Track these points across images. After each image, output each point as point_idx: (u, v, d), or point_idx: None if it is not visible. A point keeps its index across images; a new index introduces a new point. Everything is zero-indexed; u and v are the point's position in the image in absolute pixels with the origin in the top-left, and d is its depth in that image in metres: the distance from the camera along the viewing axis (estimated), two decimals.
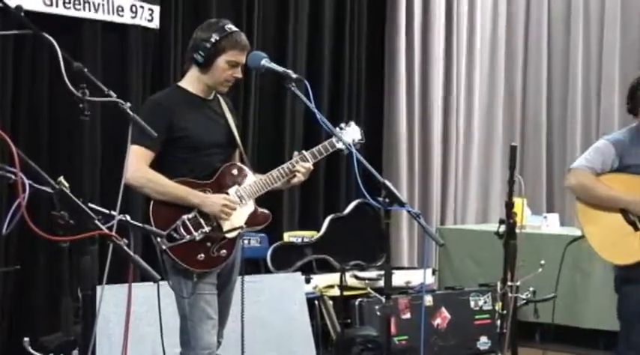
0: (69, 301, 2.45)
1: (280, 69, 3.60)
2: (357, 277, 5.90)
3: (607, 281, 5.90)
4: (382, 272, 4.44)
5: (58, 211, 2.38)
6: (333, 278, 5.72)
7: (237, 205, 3.66)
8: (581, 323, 6.13)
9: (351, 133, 3.90)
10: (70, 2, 5.11)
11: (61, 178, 2.41)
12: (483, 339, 6.01)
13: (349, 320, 5.54)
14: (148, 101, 3.92)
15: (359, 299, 5.58)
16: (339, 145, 3.71)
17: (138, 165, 3.52)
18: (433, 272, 6.56)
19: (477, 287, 6.15)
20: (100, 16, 5.27)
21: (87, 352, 2.42)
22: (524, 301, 5.08)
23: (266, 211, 3.80)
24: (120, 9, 5.37)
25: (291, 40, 6.40)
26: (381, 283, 5.00)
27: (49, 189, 2.37)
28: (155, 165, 3.59)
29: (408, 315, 5.65)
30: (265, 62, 3.63)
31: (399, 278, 5.99)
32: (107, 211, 2.54)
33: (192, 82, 3.73)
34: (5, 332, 5.03)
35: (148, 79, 5.59)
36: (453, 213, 7.47)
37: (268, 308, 5.16)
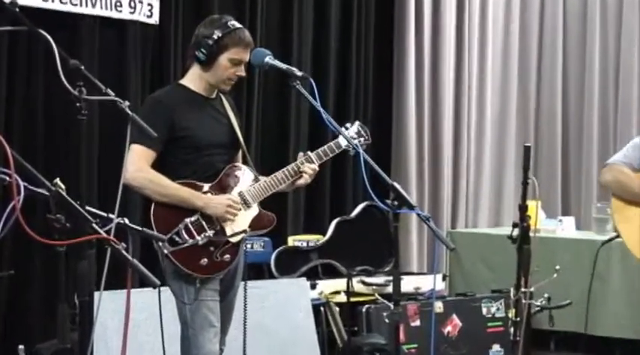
0: (65, 307, 2.46)
1: (284, 66, 3.60)
2: (364, 283, 5.90)
3: (625, 287, 5.92)
4: (391, 278, 4.44)
5: (54, 214, 2.38)
6: (340, 283, 5.72)
7: (241, 207, 3.67)
8: (597, 331, 6.12)
9: (357, 133, 3.90)
10: None
11: (57, 180, 2.42)
12: (496, 348, 6.00)
13: (356, 328, 5.54)
14: (148, 99, 3.93)
15: (366, 306, 5.57)
16: (346, 145, 3.71)
17: (139, 164, 3.53)
18: (443, 278, 6.55)
19: (489, 294, 6.14)
20: (97, 11, 5.28)
21: None
22: (539, 308, 5.06)
23: (271, 214, 3.81)
24: (118, 4, 5.37)
25: (295, 35, 6.39)
26: (390, 289, 4.99)
27: (44, 192, 2.38)
28: (156, 166, 3.60)
29: (417, 323, 5.64)
30: (269, 59, 3.64)
31: (408, 284, 5.98)
32: (105, 214, 2.54)
33: (193, 79, 3.73)
34: None
35: (147, 76, 5.59)
36: (464, 216, 7.46)
37: (272, 315, 5.16)
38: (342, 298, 5.65)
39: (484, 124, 7.57)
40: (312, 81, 3.53)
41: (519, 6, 7.84)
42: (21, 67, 5.12)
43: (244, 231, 3.69)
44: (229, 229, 3.65)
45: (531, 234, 4.05)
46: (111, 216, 2.54)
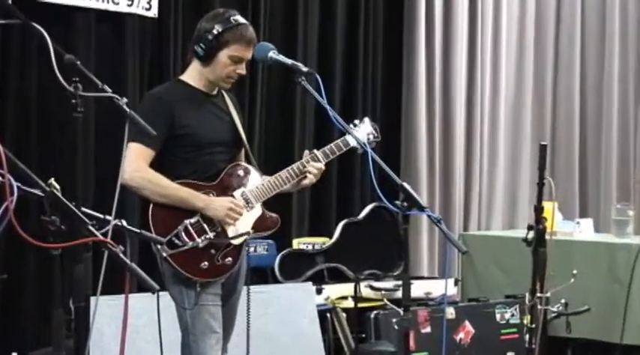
0: (60, 313, 2.46)
1: (289, 61, 3.61)
2: (372, 287, 5.90)
3: None
4: (400, 283, 4.45)
5: (48, 216, 2.39)
6: (347, 288, 5.73)
7: (243, 209, 3.67)
8: (617, 338, 6.10)
9: (366, 131, 3.90)
10: None
11: (52, 180, 2.42)
12: None
13: (364, 335, 5.54)
14: (146, 96, 3.93)
15: (375, 312, 5.57)
16: (353, 144, 3.71)
17: (137, 164, 3.53)
18: (455, 283, 6.55)
19: (503, 299, 6.14)
20: (93, 4, 5.29)
21: None
22: (555, 314, 5.07)
23: (275, 215, 3.81)
24: None
25: (301, 29, 6.39)
26: (399, 294, 4.99)
27: (38, 192, 2.38)
28: (155, 165, 3.60)
29: (428, 329, 5.64)
30: (273, 54, 3.64)
31: (418, 289, 5.98)
32: (102, 216, 2.54)
33: (194, 75, 3.73)
34: None
35: (145, 72, 5.60)
36: (477, 217, 7.46)
37: (276, 321, 5.16)
38: (349, 303, 5.65)
39: (498, 121, 7.56)
40: (318, 77, 3.54)
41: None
42: (14, 62, 5.13)
43: (247, 233, 3.69)
44: (231, 231, 3.65)
45: (547, 237, 4.05)
46: (108, 217, 2.54)
